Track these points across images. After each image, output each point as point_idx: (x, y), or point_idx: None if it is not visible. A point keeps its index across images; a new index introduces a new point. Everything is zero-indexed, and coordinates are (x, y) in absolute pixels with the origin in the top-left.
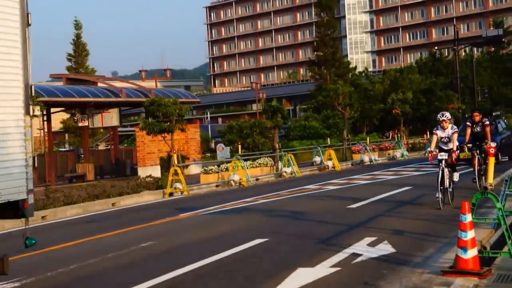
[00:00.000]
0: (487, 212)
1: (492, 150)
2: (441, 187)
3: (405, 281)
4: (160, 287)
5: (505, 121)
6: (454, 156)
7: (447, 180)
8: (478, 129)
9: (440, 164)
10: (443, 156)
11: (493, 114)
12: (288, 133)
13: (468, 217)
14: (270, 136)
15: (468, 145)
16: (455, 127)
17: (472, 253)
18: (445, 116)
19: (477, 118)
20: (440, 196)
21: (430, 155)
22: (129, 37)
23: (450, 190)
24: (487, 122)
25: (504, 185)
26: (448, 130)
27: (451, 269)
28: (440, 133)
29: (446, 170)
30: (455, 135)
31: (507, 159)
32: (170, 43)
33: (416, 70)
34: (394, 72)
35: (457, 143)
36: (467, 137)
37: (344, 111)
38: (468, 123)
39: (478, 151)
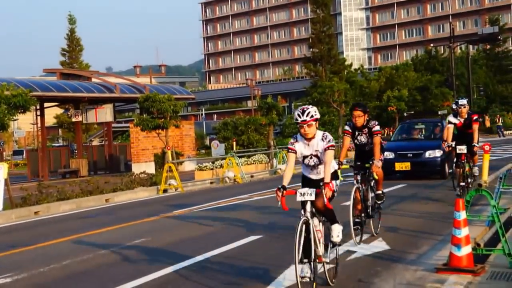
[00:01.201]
0: (481, 209)
1: (487, 147)
2: (306, 259)
3: (399, 278)
4: (153, 284)
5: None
6: (328, 193)
7: (319, 241)
8: (363, 140)
9: (303, 213)
10: (307, 196)
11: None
12: (283, 130)
13: (462, 215)
14: (265, 133)
15: (344, 166)
16: (329, 135)
17: (466, 250)
18: (307, 115)
19: (360, 121)
20: (308, 275)
21: (280, 196)
22: (124, 32)
23: (326, 260)
24: (377, 128)
25: (499, 183)
26: (315, 142)
27: (445, 267)
28: (300, 148)
29: (314, 222)
30: (331, 153)
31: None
32: (165, 39)
33: (411, 68)
34: (389, 69)
35: (336, 167)
36: (343, 153)
37: (339, 108)
38: (347, 128)
39: (360, 176)
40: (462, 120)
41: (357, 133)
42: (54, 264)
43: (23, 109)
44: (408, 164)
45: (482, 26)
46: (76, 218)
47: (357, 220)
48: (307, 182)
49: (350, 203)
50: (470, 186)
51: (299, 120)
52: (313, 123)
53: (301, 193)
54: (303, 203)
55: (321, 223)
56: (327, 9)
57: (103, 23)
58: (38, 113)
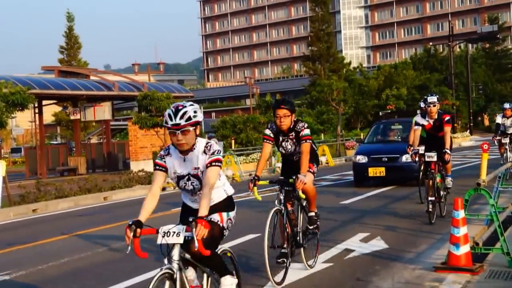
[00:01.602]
0: (480, 208)
1: (485, 147)
2: None
3: (397, 277)
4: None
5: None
6: (201, 233)
7: None
8: (290, 147)
9: (167, 263)
10: (173, 237)
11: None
12: None
13: (461, 213)
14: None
15: (262, 181)
16: (214, 145)
17: (464, 249)
18: (181, 117)
19: (286, 122)
20: None
21: (131, 237)
22: (122, 30)
23: None
24: (306, 132)
25: (497, 182)
26: (194, 155)
27: (443, 265)
28: (173, 164)
29: (188, 275)
30: (215, 171)
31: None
32: (164, 37)
33: (410, 66)
34: (388, 68)
35: (231, 191)
36: (261, 164)
37: (338, 106)
38: (267, 132)
39: (283, 195)
40: (431, 121)
41: (281, 138)
42: (52, 261)
43: (21, 107)
44: (383, 169)
45: (481, 24)
46: (75, 216)
47: (283, 251)
48: (187, 212)
49: (265, 231)
50: (443, 200)
51: (169, 123)
52: (191, 128)
53: (164, 233)
54: (169, 256)
55: (205, 275)
56: (326, 7)
57: (102, 21)
58: (36, 110)
